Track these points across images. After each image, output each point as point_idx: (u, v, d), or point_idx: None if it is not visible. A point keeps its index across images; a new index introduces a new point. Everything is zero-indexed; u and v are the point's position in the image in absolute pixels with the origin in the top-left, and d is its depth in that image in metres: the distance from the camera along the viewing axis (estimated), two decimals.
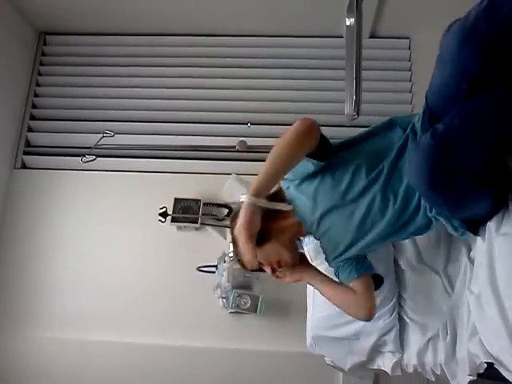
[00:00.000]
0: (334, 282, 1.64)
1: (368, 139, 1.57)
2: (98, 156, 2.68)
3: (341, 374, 2.44)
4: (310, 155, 1.46)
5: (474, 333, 1.38)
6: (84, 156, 2.63)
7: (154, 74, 3.13)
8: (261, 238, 1.42)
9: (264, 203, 1.36)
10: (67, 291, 2.82)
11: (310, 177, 1.53)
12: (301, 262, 1.65)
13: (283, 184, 1.60)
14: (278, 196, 1.58)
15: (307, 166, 1.49)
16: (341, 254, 1.59)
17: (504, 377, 1.25)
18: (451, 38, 1.15)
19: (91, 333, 2.72)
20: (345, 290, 1.61)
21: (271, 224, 1.51)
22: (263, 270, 1.62)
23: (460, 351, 1.50)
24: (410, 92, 3.02)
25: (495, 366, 1.27)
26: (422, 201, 1.40)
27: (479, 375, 1.42)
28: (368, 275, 1.63)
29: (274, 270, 1.60)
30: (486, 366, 1.35)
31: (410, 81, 3.04)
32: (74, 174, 2.96)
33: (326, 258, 1.66)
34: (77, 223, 2.92)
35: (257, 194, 1.35)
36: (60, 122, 3.05)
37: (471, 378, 1.46)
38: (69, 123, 3.04)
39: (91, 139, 2.73)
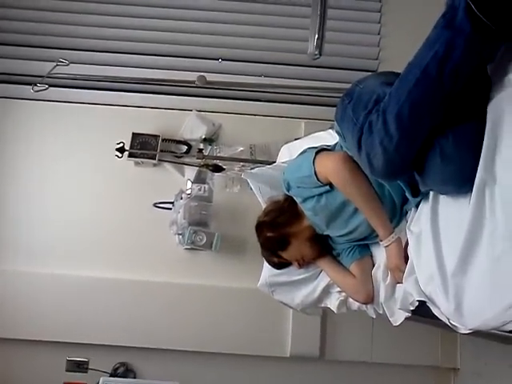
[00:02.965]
0: (341, 266, 1.81)
1: None
2: (50, 85, 2.55)
3: (290, 310, 2.53)
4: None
5: (411, 272, 1.42)
6: (36, 85, 2.50)
7: (114, 0, 2.97)
8: (283, 242, 1.77)
9: (398, 232, 1.55)
10: (18, 224, 2.78)
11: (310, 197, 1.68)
12: (320, 253, 1.83)
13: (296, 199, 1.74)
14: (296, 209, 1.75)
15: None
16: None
17: (434, 314, 1.31)
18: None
19: (47, 266, 2.71)
20: (347, 274, 1.77)
21: (288, 229, 1.75)
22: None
23: (398, 291, 1.55)
24: (379, 34, 2.95)
25: (427, 304, 1.33)
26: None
27: (413, 312, 1.49)
28: (368, 258, 1.76)
29: (299, 264, 1.83)
30: (417, 303, 1.40)
31: (379, 22, 2.96)
32: (24, 104, 2.84)
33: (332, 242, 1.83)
34: (28, 155, 2.84)
35: (389, 231, 1.55)
36: (10, 47, 2.89)
37: (407, 314, 1.53)
38: (20, 49, 2.89)
39: (44, 67, 2.60)
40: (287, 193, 1.76)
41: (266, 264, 2.01)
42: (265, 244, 1.85)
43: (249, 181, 2.13)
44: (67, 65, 2.57)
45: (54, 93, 2.72)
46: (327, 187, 1.59)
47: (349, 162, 1.51)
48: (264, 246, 1.86)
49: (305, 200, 1.69)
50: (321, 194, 1.62)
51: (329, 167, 1.55)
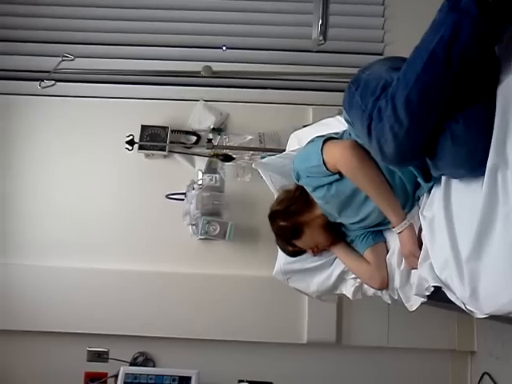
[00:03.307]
0: (355, 253, 1.82)
1: None
2: (57, 81, 2.55)
3: (306, 297, 2.53)
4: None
5: (425, 258, 1.42)
6: (42, 81, 2.51)
7: None
8: (296, 231, 1.77)
9: (410, 218, 1.55)
10: (29, 219, 2.81)
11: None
12: (334, 241, 1.84)
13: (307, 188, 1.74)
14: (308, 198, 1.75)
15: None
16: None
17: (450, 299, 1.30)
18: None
19: (64, 259, 2.74)
20: (361, 261, 1.78)
21: (300, 218, 1.76)
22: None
23: (413, 277, 1.55)
24: (383, 16, 2.89)
25: (443, 289, 1.32)
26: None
27: (429, 298, 1.49)
28: (382, 244, 1.76)
29: (313, 252, 1.85)
30: (432, 289, 1.40)
31: (383, 4, 2.90)
32: (32, 100, 2.84)
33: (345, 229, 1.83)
34: (37, 150, 2.85)
35: (401, 217, 1.55)
36: (16, 44, 2.88)
37: (422, 300, 1.53)
38: (25, 44, 2.88)
39: (50, 62, 2.60)
40: (297, 182, 1.77)
41: (280, 252, 2.02)
42: (278, 233, 1.86)
43: (259, 170, 2.13)
44: (72, 59, 2.57)
45: (61, 88, 2.71)
46: (337, 176, 1.58)
47: (357, 149, 1.51)
48: (278, 235, 1.88)
49: (315, 189, 1.68)
50: (331, 183, 1.62)
51: (337, 156, 1.54)
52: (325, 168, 1.57)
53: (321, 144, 1.59)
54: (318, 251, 1.86)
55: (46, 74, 2.60)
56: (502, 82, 1.12)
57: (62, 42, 2.87)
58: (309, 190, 1.72)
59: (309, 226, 1.77)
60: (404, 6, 2.86)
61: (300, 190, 1.78)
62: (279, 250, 2.01)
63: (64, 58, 2.55)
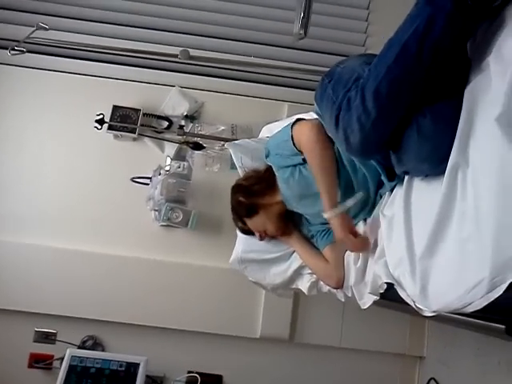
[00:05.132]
0: (313, 249, 1.83)
1: None
2: (29, 51, 2.47)
3: (263, 291, 2.52)
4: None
5: (381, 256, 1.43)
6: (13, 48, 2.42)
7: None
8: (251, 210, 1.80)
9: (342, 208, 1.55)
10: None
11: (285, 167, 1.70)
12: (286, 231, 1.87)
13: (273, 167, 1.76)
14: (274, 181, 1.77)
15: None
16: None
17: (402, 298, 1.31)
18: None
19: (19, 236, 2.65)
20: (319, 258, 1.79)
21: (260, 199, 1.80)
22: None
23: (368, 275, 1.56)
24: (366, 21, 2.92)
25: (395, 286, 1.33)
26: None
27: (382, 296, 1.49)
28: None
29: (260, 236, 1.87)
30: (385, 286, 1.41)
31: (368, 8, 2.93)
32: (1, 68, 2.75)
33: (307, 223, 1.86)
34: (4, 121, 2.76)
35: (335, 204, 1.54)
36: None
37: (375, 298, 1.53)
38: None
39: (23, 32, 2.50)
40: (265, 160, 1.78)
41: (238, 240, 2.03)
42: (234, 207, 1.89)
43: (231, 151, 2.12)
44: (47, 30, 2.49)
45: (32, 59, 2.65)
46: (301, 158, 1.60)
47: (322, 130, 1.53)
48: (233, 209, 1.91)
49: (280, 169, 1.71)
50: (295, 166, 1.64)
51: (303, 131, 1.57)
52: (292, 143, 1.59)
53: (293, 122, 1.62)
54: (264, 237, 1.88)
55: (18, 43, 2.51)
56: (471, 81, 1.14)
57: (37, 12, 2.78)
58: (275, 168, 1.74)
59: (265, 209, 1.80)
60: (387, 11, 2.81)
61: (269, 171, 1.80)
62: (237, 238, 2.01)
63: (38, 27, 2.46)
